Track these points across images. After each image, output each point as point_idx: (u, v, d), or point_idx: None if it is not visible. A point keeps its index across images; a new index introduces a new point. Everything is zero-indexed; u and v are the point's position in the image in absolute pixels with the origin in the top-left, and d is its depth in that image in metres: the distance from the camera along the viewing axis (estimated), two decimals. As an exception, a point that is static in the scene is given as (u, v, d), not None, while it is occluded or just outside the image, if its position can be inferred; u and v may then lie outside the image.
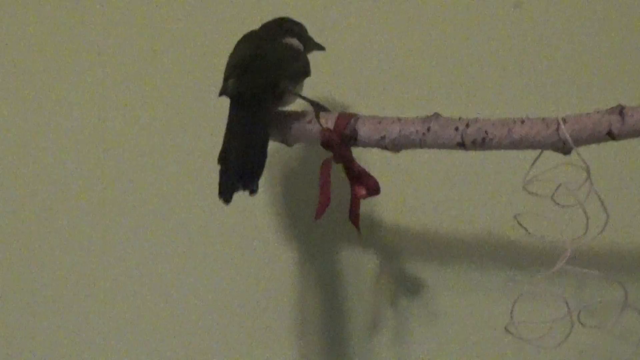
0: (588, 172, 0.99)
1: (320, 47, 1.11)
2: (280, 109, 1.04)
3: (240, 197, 1.18)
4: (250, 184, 0.96)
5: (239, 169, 0.96)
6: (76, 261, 1.22)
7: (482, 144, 0.99)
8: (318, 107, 1.04)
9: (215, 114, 1.05)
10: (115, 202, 1.22)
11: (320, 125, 1.02)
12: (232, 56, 1.05)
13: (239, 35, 1.08)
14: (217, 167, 0.97)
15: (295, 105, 1.06)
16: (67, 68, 1.23)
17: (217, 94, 1.00)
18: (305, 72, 1.05)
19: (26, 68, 1.24)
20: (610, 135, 0.97)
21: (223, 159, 0.98)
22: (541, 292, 1.10)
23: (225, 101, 1.00)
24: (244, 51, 1.04)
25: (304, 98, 1.04)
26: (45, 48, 1.23)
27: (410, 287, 1.19)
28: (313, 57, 1.10)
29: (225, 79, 1.01)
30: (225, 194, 0.96)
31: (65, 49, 1.23)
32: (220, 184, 0.97)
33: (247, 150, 0.97)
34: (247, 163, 0.96)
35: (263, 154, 0.97)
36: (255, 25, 1.11)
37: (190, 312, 1.21)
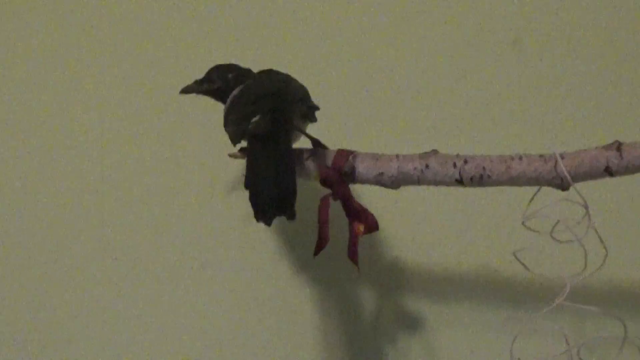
0: (586, 208, 0.99)
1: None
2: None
3: (241, 233, 1.19)
4: (287, 209, 0.97)
5: (274, 194, 0.97)
6: (76, 285, 1.22)
7: (480, 180, 1.00)
8: (318, 145, 1.05)
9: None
10: (114, 225, 1.22)
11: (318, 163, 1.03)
12: (247, 91, 1.04)
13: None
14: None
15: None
16: (68, 76, 1.24)
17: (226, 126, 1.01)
18: (313, 116, 1.05)
19: (23, 75, 1.24)
20: (608, 172, 0.97)
21: (252, 184, 0.98)
22: (541, 329, 1.10)
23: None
24: (267, 86, 1.03)
25: (307, 135, 1.05)
26: (47, 52, 1.24)
27: (409, 323, 1.19)
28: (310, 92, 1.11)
29: (245, 117, 1.00)
30: (265, 218, 0.98)
31: (69, 52, 1.24)
32: (256, 208, 0.98)
33: (279, 175, 0.98)
34: (281, 188, 0.97)
35: (293, 178, 0.98)
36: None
37: (193, 347, 1.21)
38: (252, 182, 0.98)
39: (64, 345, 1.21)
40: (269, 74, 1.07)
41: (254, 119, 0.99)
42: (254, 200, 0.98)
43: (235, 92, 1.04)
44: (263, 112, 0.99)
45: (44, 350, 1.21)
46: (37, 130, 1.23)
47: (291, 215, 0.98)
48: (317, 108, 1.05)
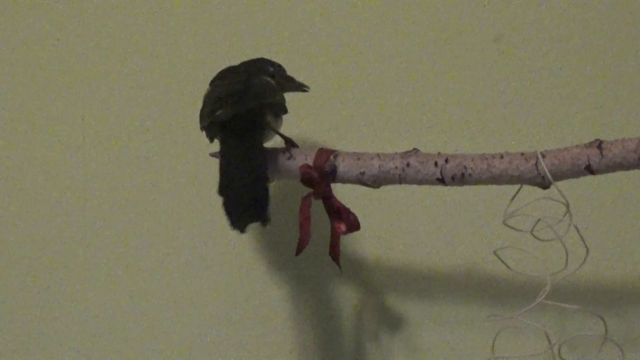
0: (567, 206, 0.99)
1: (303, 88, 1.11)
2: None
3: (221, 231, 1.19)
4: (261, 214, 0.97)
5: (246, 200, 0.97)
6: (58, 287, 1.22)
7: (462, 179, 1.00)
8: (291, 144, 1.05)
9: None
10: (104, 236, 1.22)
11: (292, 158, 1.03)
12: (214, 91, 1.05)
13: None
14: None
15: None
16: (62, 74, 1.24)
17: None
18: (284, 109, 1.05)
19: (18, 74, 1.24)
20: (589, 170, 0.98)
21: (225, 190, 0.98)
22: (522, 327, 1.10)
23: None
24: (230, 86, 1.04)
25: (279, 134, 1.05)
26: (43, 53, 1.24)
27: (391, 322, 1.19)
28: (291, 93, 1.10)
29: (211, 112, 1.01)
30: (239, 225, 0.98)
31: (66, 57, 1.24)
32: (230, 215, 0.98)
33: (251, 182, 0.98)
34: (253, 194, 0.97)
35: (265, 184, 0.98)
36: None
37: (174, 346, 1.20)
38: (225, 188, 0.98)
39: (44, 341, 1.21)
40: (236, 72, 1.07)
41: (218, 112, 1.00)
42: (227, 208, 0.98)
43: (206, 92, 1.06)
44: (226, 105, 0.99)
45: (24, 346, 1.21)
46: (37, 130, 1.23)
47: (265, 221, 0.98)
48: (306, 88, 1.05)
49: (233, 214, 0.98)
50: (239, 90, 1.02)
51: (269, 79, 1.06)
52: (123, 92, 1.22)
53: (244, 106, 0.99)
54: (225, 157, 0.99)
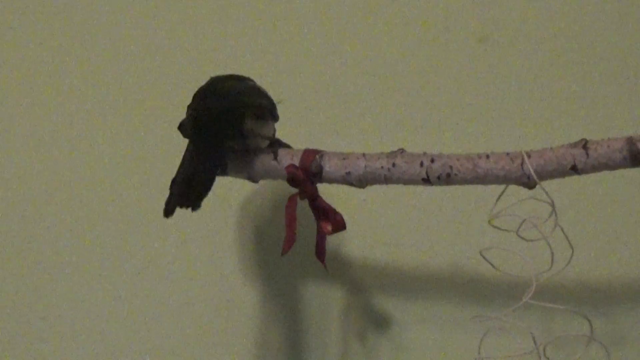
0: (553, 206, 0.99)
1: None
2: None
3: (208, 231, 1.19)
4: (191, 203, 0.97)
5: (182, 188, 0.97)
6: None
7: (447, 179, 1.00)
8: (280, 145, 1.04)
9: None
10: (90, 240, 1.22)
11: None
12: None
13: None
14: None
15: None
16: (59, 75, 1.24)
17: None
18: (273, 116, 1.05)
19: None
20: (574, 170, 0.98)
21: (172, 183, 0.99)
22: (508, 327, 1.10)
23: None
24: (207, 85, 1.04)
25: (266, 138, 1.04)
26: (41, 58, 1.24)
27: (378, 321, 1.19)
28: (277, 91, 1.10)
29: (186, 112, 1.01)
30: (167, 211, 0.98)
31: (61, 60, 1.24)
32: (165, 204, 0.98)
33: (192, 173, 0.98)
34: (190, 183, 0.97)
35: (208, 177, 0.98)
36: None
37: (154, 348, 1.20)
38: (172, 180, 0.99)
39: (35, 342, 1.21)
40: (214, 82, 1.06)
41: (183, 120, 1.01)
42: (167, 197, 0.98)
43: None
44: (187, 114, 1.00)
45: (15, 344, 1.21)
46: (37, 131, 1.22)
47: (195, 207, 0.97)
48: (264, 107, 1.04)
49: (167, 203, 0.98)
50: (209, 90, 1.02)
51: (253, 84, 1.06)
52: (122, 93, 1.22)
53: (204, 105, 1.00)
54: (184, 155, 1.00)
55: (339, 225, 1.04)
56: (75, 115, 1.22)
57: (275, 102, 1.05)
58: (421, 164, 1.00)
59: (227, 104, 1.01)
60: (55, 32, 1.23)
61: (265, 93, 1.05)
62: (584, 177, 0.99)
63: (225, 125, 1.00)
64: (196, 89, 1.02)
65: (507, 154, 0.99)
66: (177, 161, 0.99)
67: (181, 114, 1.01)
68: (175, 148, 1.04)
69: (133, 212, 1.21)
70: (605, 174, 0.99)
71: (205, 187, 0.98)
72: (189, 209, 0.97)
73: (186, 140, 1.00)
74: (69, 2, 1.23)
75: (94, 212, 1.21)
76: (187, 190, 0.97)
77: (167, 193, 0.98)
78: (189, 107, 1.01)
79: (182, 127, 1.01)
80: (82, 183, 1.22)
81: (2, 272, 1.21)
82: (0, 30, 1.23)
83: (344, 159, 1.02)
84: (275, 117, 1.05)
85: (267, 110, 1.04)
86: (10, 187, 1.22)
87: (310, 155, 1.02)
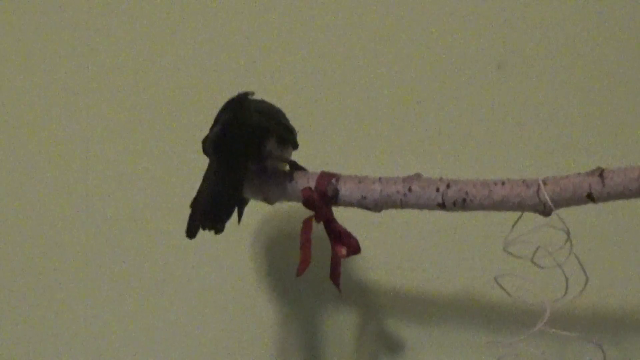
0: (568, 234, 0.99)
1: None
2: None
3: (222, 252, 1.19)
4: (215, 223, 0.97)
5: (207, 209, 0.97)
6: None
7: (463, 204, 1.00)
8: (296, 167, 1.05)
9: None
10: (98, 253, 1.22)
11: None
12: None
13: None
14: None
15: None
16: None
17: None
18: (289, 140, 1.05)
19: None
20: (590, 198, 0.98)
21: (194, 202, 0.99)
22: (521, 353, 1.10)
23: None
24: (237, 98, 1.03)
25: (285, 161, 1.05)
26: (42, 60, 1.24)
27: (391, 346, 1.19)
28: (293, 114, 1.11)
29: (210, 129, 1.01)
30: (190, 232, 0.97)
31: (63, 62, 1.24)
32: (188, 224, 0.98)
33: (218, 194, 0.97)
34: (216, 204, 0.97)
35: (233, 198, 0.98)
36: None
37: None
38: (194, 200, 0.99)
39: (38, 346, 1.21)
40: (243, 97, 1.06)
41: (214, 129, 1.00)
42: (190, 217, 0.98)
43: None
44: (219, 124, 0.99)
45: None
46: (37, 131, 1.23)
47: (219, 230, 0.98)
48: (291, 129, 1.05)
49: (191, 222, 0.98)
50: (240, 104, 1.01)
51: (279, 108, 1.06)
52: (128, 97, 1.23)
53: (239, 116, 0.99)
54: (206, 171, 1.00)
55: (354, 248, 1.04)
56: (95, 127, 1.23)
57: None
58: (437, 189, 1.00)
59: (263, 121, 1.01)
60: (64, 28, 1.24)
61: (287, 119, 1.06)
62: (599, 205, 0.99)
63: (250, 142, 1.01)
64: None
65: (523, 181, 0.99)
66: (194, 176, 0.99)
67: (200, 130, 1.01)
68: (191, 162, 1.06)
69: (148, 232, 1.21)
70: (621, 202, 0.99)
71: (229, 208, 0.98)
72: (212, 232, 0.97)
73: (202, 155, 1.00)
74: (77, 8, 1.24)
75: (110, 228, 1.22)
76: (212, 211, 0.98)
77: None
78: (216, 119, 1.00)
79: (206, 144, 1.01)
80: (98, 198, 1.22)
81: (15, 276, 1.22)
82: (5, 32, 1.24)
83: (359, 182, 1.02)
84: (295, 145, 1.06)
85: (292, 134, 1.04)
86: (25, 188, 1.22)
87: (327, 178, 1.02)
